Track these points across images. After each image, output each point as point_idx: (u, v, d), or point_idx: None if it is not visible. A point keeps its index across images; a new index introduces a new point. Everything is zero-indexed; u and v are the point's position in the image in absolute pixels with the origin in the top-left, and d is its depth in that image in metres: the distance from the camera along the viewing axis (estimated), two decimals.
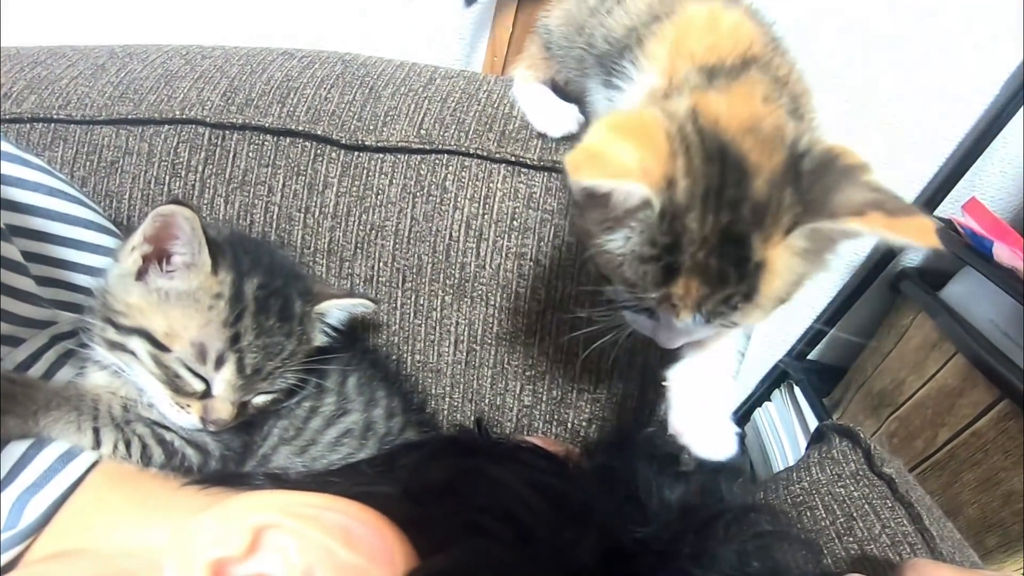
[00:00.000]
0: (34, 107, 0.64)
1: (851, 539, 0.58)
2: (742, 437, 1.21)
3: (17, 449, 0.42)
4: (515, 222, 0.63)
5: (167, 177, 0.63)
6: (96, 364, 0.47)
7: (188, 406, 0.46)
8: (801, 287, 0.37)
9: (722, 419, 0.42)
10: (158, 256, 0.45)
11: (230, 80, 0.65)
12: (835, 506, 0.63)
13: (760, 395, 1.21)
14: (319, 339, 0.54)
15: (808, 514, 0.63)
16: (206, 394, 0.46)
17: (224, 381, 0.46)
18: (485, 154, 0.63)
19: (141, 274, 0.45)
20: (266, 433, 0.52)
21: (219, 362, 0.45)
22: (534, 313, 0.65)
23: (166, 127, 0.64)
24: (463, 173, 0.63)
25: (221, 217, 0.64)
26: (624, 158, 0.33)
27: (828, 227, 0.33)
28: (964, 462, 0.84)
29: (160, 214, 0.42)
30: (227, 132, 0.63)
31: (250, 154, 0.63)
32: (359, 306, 0.57)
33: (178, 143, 0.63)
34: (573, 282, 0.63)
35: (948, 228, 0.97)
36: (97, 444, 0.45)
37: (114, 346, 0.45)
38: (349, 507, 0.34)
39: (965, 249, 0.93)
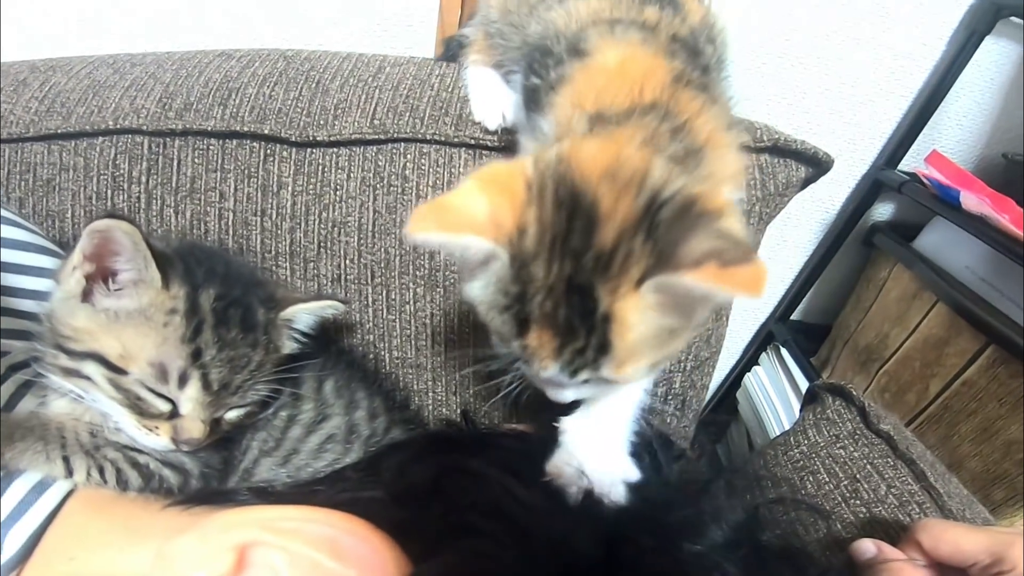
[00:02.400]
0: None
1: (858, 502, 0.57)
2: (735, 404, 1.21)
3: None
4: None
5: (109, 191, 0.60)
6: (56, 392, 0.45)
7: (156, 428, 0.43)
8: (676, 342, 0.36)
9: (616, 450, 0.42)
10: (102, 275, 0.42)
11: (164, 86, 0.61)
12: (836, 468, 0.62)
13: (748, 360, 1.20)
14: (288, 346, 0.52)
15: (811, 479, 0.62)
16: (174, 414, 0.44)
17: (191, 399, 0.43)
18: (443, 139, 0.61)
19: (86, 295, 0.42)
20: (245, 447, 0.50)
21: (182, 380, 0.43)
22: None
23: (100, 139, 0.60)
24: (422, 160, 0.61)
25: (172, 228, 0.60)
26: (473, 210, 0.33)
27: (670, 281, 0.32)
28: (959, 413, 0.84)
29: (96, 230, 0.39)
30: (167, 139, 0.60)
31: (196, 160, 0.60)
32: (328, 308, 0.54)
33: (116, 155, 0.60)
34: None
35: (914, 181, 0.97)
36: (69, 473, 0.42)
37: (68, 373, 0.42)
38: (332, 517, 0.32)
39: (933, 200, 0.93)
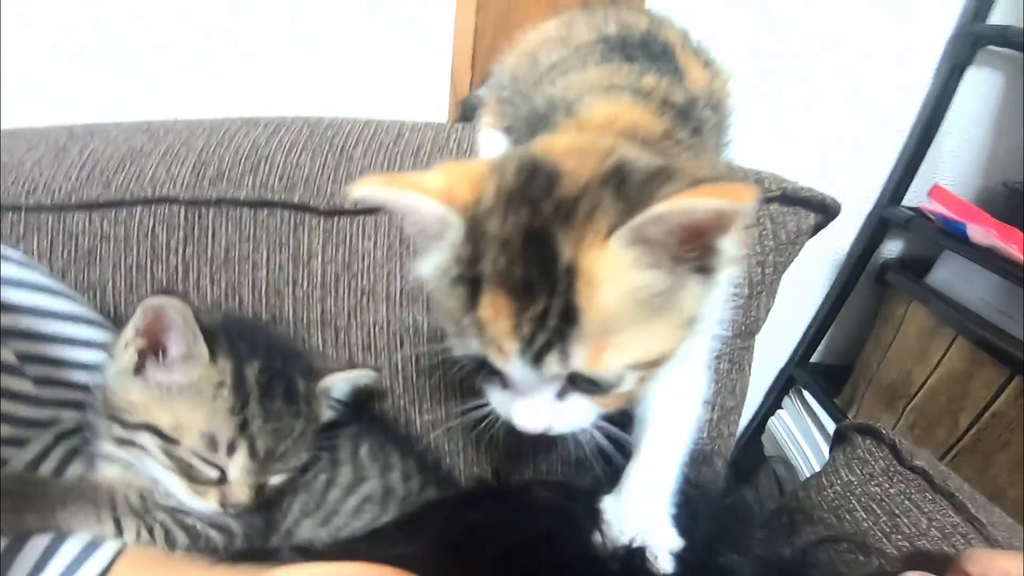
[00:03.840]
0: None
1: (899, 536, 0.57)
2: (761, 448, 1.19)
3: (40, 542, 0.41)
4: None
5: (148, 261, 0.62)
6: (105, 459, 0.46)
7: (205, 493, 0.45)
8: (663, 330, 0.31)
9: (660, 521, 0.39)
10: (154, 349, 0.44)
11: (197, 153, 0.64)
12: (874, 506, 0.61)
13: (771, 405, 1.19)
14: (326, 414, 0.54)
15: (848, 517, 0.62)
16: (222, 480, 0.45)
17: (238, 467, 0.45)
18: None
19: (139, 369, 0.44)
20: (286, 509, 0.51)
21: (231, 449, 0.44)
22: None
23: (139, 208, 0.62)
24: None
25: (208, 298, 0.62)
26: (428, 182, 0.31)
27: (644, 222, 0.27)
28: (992, 444, 0.83)
29: (149, 307, 0.42)
30: (202, 208, 0.62)
31: (229, 229, 0.62)
32: (362, 378, 0.57)
33: (154, 224, 0.62)
34: None
35: (919, 216, 0.99)
36: (119, 533, 0.44)
37: (122, 442, 0.44)
38: (383, 571, 0.33)
39: (940, 234, 0.94)
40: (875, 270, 1.11)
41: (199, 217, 0.62)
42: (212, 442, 0.44)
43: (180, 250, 0.62)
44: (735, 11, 0.92)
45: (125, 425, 0.44)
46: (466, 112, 0.74)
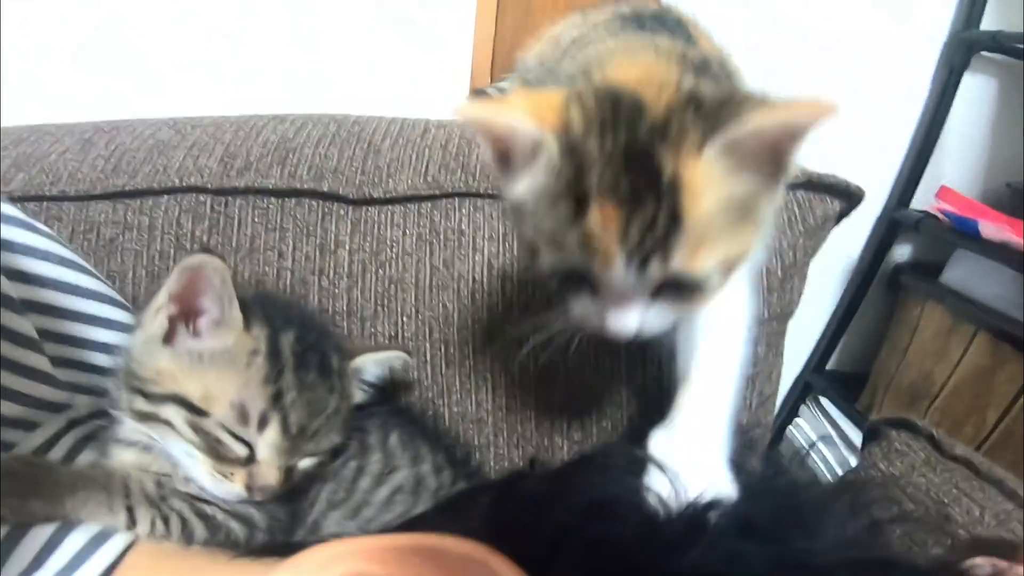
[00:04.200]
0: (23, 185, 0.61)
1: (955, 525, 0.54)
2: (779, 456, 1.17)
3: (43, 533, 0.38)
4: None
5: (171, 250, 0.60)
6: (120, 443, 0.43)
7: (231, 474, 0.42)
8: (746, 234, 0.34)
9: (714, 462, 0.38)
10: (185, 316, 0.42)
11: (225, 146, 0.64)
12: (921, 496, 0.59)
13: (788, 414, 1.18)
14: (357, 395, 0.51)
15: (895, 508, 0.59)
16: (249, 460, 0.42)
17: (269, 444, 0.42)
18: (496, 193, 0.63)
19: (169, 338, 0.42)
20: (313, 499, 0.48)
21: (262, 423, 0.42)
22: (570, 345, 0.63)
23: (165, 197, 0.61)
24: (477, 214, 0.62)
25: None
26: (517, 104, 0.33)
27: (735, 132, 0.31)
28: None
29: (187, 267, 0.40)
30: (230, 197, 0.61)
31: (255, 219, 0.61)
32: (395, 359, 0.55)
33: (180, 213, 0.61)
34: None
35: (929, 217, 1.00)
36: (132, 523, 0.40)
37: (145, 417, 0.41)
38: (444, 540, 0.30)
39: (952, 233, 0.95)
40: (887, 274, 1.11)
41: (225, 206, 0.61)
42: (243, 414, 0.41)
43: (205, 239, 0.61)
44: (739, 11, 0.94)
45: (150, 397, 0.41)
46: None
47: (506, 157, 0.35)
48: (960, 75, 0.98)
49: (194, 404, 0.41)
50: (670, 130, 0.31)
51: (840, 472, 0.97)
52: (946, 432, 0.92)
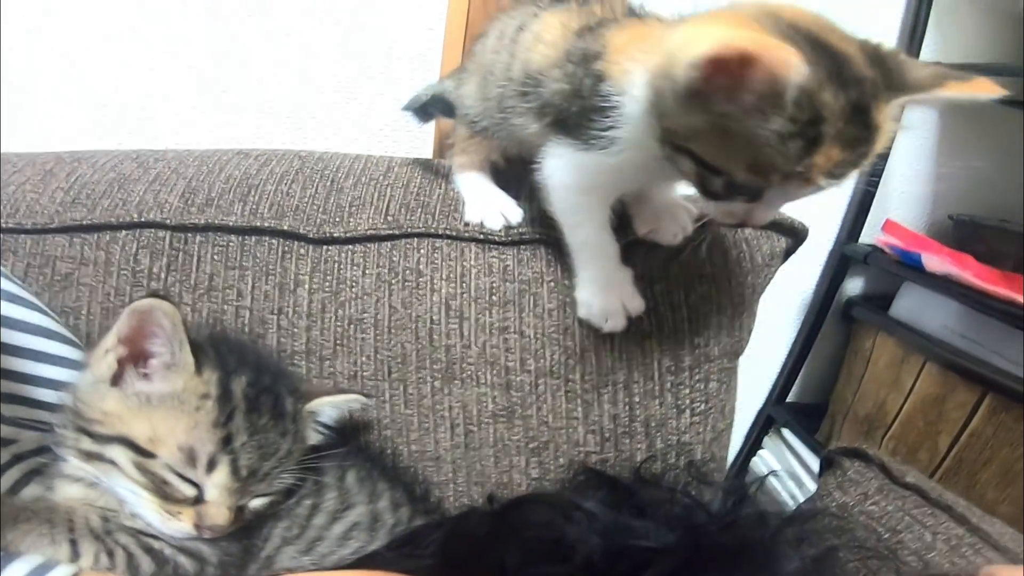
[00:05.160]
0: None
1: (907, 552, 0.56)
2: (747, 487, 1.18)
3: None
4: (494, 297, 0.63)
5: (128, 287, 0.60)
6: (66, 478, 0.43)
7: (179, 513, 0.42)
8: None
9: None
10: (134, 358, 0.42)
11: (187, 181, 0.64)
12: (874, 524, 0.61)
13: (752, 445, 1.19)
14: (313, 438, 0.52)
15: (848, 536, 0.61)
16: (198, 500, 0.42)
17: (217, 485, 0.42)
18: (454, 233, 0.64)
19: (116, 379, 0.42)
20: (267, 535, 0.48)
21: (211, 465, 0.42)
22: (527, 385, 0.64)
23: (123, 232, 0.60)
24: (435, 255, 0.64)
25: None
26: (770, 43, 0.35)
27: (921, 97, 0.40)
28: (975, 463, 0.85)
29: (136, 310, 0.40)
30: (189, 234, 0.61)
31: (215, 257, 0.61)
32: (352, 402, 0.56)
33: (137, 249, 0.60)
34: (560, 347, 0.63)
35: (877, 251, 1.04)
36: (76, 556, 0.39)
37: (91, 456, 0.41)
38: None
39: (898, 266, 0.99)
40: (840, 307, 1.15)
41: (184, 243, 0.61)
42: (191, 456, 0.41)
43: (162, 276, 0.60)
44: None
45: (96, 438, 0.41)
46: (416, 105, 0.73)
47: (738, 85, 0.36)
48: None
49: (140, 446, 0.41)
50: (878, 87, 0.39)
51: (802, 500, 0.98)
52: (902, 459, 0.95)
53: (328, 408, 0.53)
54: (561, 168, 0.53)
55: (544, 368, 0.63)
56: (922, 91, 0.40)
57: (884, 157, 1.00)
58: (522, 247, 0.64)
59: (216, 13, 0.81)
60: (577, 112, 0.48)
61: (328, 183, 0.66)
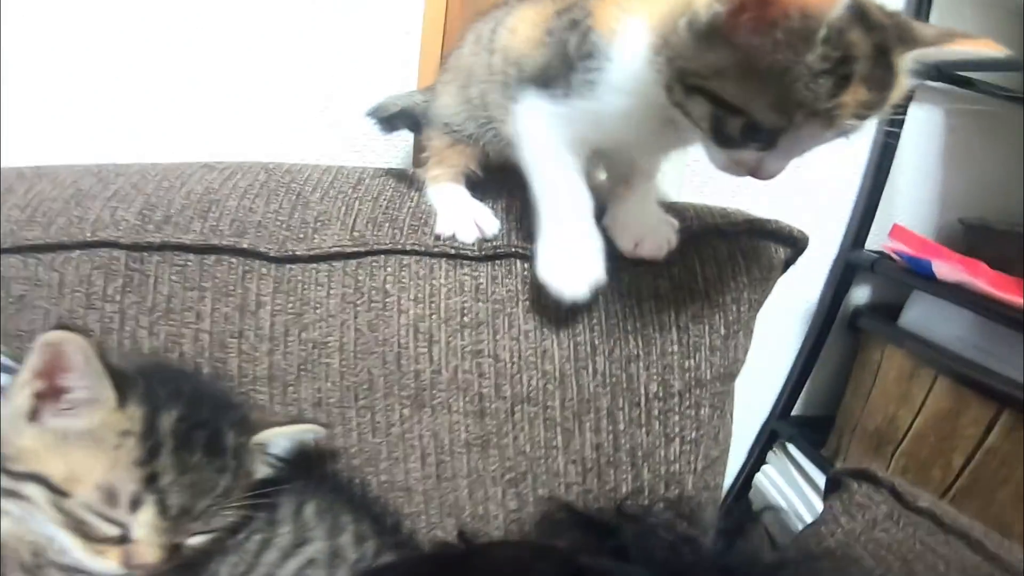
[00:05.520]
0: None
1: None
2: (749, 505, 1.13)
3: None
4: (466, 318, 0.59)
5: (82, 309, 0.57)
6: None
7: (105, 552, 0.39)
8: None
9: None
10: (51, 392, 0.39)
11: (146, 197, 0.61)
12: (883, 552, 0.56)
13: (755, 461, 1.14)
14: (261, 471, 0.49)
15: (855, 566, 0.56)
16: (124, 539, 0.40)
17: (144, 525, 0.40)
18: (423, 249, 0.60)
19: (34, 414, 0.39)
20: (213, 571, 0.45)
21: (135, 504, 0.39)
22: (502, 412, 0.60)
23: (77, 252, 0.58)
24: (403, 273, 0.60)
25: (145, 350, 0.57)
26: None
27: (934, 52, 0.42)
28: (991, 481, 0.79)
29: (47, 343, 0.38)
30: (145, 253, 0.58)
31: (172, 277, 0.58)
32: (307, 432, 0.52)
33: (92, 270, 0.57)
34: (538, 372, 0.59)
35: (884, 258, 0.99)
36: None
37: (7, 493, 0.39)
38: None
39: (907, 274, 0.94)
40: (847, 317, 1.10)
41: (141, 263, 0.58)
42: (111, 496, 0.39)
43: (118, 298, 0.57)
44: None
45: (11, 475, 0.39)
46: (382, 115, 0.71)
47: (768, 19, 0.36)
48: (905, 107, 0.98)
49: (55, 485, 0.38)
50: (895, 35, 0.40)
51: (809, 519, 0.93)
52: (914, 477, 0.90)
53: (280, 439, 0.50)
54: (536, 119, 0.52)
55: (521, 394, 0.59)
56: (932, 45, 0.41)
57: (889, 158, 0.98)
58: (496, 262, 0.61)
59: (188, 20, 0.78)
60: (559, 66, 0.49)
61: (294, 197, 0.63)
